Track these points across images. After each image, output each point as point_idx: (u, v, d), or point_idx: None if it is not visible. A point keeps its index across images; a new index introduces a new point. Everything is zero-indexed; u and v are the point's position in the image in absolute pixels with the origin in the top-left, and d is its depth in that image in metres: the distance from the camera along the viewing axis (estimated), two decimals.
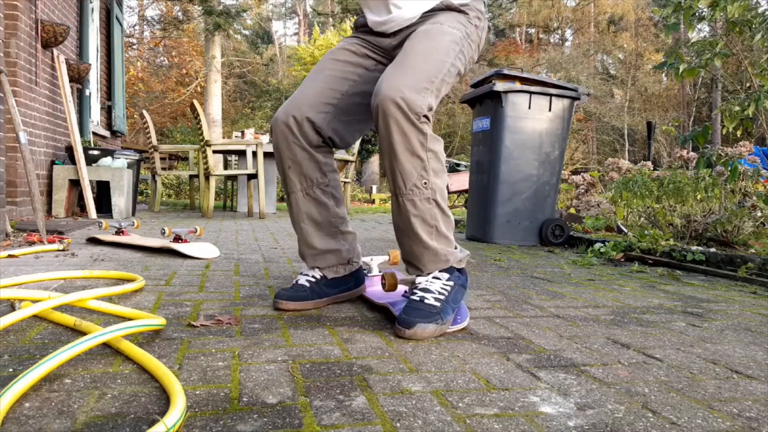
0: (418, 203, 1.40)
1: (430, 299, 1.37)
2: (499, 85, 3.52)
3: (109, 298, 1.61)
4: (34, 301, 1.47)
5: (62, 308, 1.45)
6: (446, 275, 1.44)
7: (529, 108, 3.59)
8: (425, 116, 1.36)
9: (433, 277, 1.44)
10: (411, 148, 1.36)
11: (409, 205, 1.40)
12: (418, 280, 1.45)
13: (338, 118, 1.57)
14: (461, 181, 11.29)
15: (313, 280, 1.60)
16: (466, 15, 1.56)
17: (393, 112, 1.33)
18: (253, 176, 5.68)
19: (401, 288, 1.64)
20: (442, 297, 1.38)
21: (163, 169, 8.66)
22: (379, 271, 1.82)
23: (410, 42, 1.48)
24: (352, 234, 1.66)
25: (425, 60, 1.41)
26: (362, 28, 1.67)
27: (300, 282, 1.60)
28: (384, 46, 1.61)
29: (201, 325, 1.36)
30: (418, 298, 1.38)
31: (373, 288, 1.75)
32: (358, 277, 1.67)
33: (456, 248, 1.49)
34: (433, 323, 1.31)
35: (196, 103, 5.67)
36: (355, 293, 1.68)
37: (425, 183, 1.39)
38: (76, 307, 1.46)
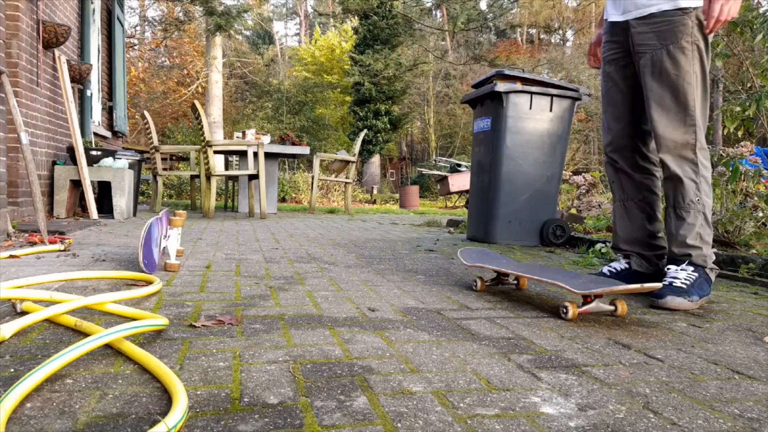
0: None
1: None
2: (500, 86, 3.52)
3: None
4: (47, 304, 1.47)
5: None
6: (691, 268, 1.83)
7: (530, 108, 3.58)
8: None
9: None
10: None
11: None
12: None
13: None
14: (462, 181, 11.29)
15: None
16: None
17: None
18: (254, 177, 5.68)
19: None
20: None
21: (164, 169, 8.66)
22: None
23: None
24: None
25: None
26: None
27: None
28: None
29: (202, 325, 1.36)
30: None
31: None
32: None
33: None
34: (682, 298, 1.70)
35: (197, 103, 5.68)
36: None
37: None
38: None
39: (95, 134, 6.01)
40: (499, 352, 1.23)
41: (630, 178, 2.03)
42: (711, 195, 1.84)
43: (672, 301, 1.68)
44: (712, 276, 1.85)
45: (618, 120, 2.02)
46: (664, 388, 1.03)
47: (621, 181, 2.06)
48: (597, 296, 1.59)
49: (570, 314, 1.56)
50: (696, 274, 1.79)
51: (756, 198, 3.36)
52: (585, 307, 1.58)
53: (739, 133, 3.38)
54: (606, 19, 2.04)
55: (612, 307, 1.60)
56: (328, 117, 24.36)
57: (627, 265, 2.09)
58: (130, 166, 5.11)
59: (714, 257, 1.88)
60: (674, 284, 1.75)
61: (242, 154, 6.59)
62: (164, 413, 0.85)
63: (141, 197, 10.34)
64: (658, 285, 1.56)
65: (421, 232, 4.50)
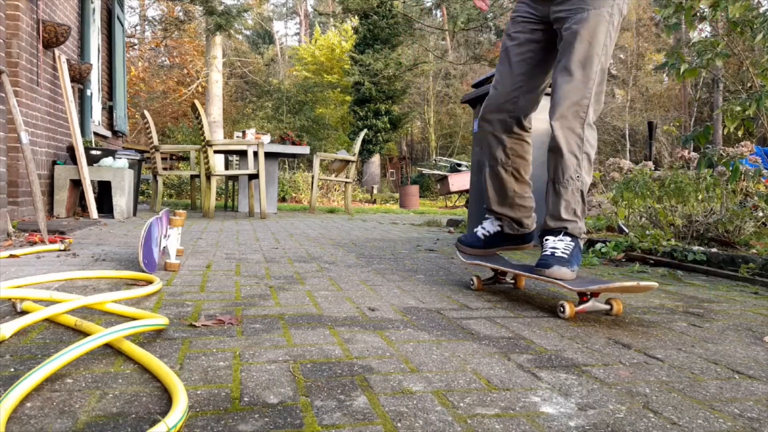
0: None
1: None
2: None
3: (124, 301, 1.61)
4: (47, 303, 1.47)
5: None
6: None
7: None
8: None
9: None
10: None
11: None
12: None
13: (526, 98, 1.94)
14: (462, 181, 11.30)
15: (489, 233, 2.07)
16: None
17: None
18: (254, 176, 5.68)
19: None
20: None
21: (165, 169, 8.66)
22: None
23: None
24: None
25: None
26: None
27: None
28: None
29: (202, 325, 1.36)
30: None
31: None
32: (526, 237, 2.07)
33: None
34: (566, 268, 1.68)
35: (197, 103, 5.68)
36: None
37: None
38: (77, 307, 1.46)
39: (95, 134, 6.01)
40: (499, 351, 1.23)
41: (501, 143, 1.98)
42: (591, 173, 1.82)
43: (558, 270, 1.68)
44: (581, 242, 1.85)
45: (510, 83, 1.94)
46: (664, 388, 1.03)
47: (491, 147, 2.00)
48: (593, 294, 1.60)
49: (567, 313, 1.57)
50: (573, 244, 1.79)
51: (756, 198, 3.36)
52: (582, 306, 1.60)
53: (740, 133, 3.38)
54: None
55: (608, 306, 1.61)
56: (328, 117, 24.36)
57: (500, 228, 2.08)
58: (130, 166, 5.11)
59: (585, 229, 1.89)
60: (556, 254, 1.75)
61: (242, 154, 6.59)
62: (164, 413, 0.85)
63: (141, 197, 10.34)
64: (654, 284, 1.57)
65: (421, 232, 4.50)
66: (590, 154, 1.81)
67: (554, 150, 1.79)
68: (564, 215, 1.80)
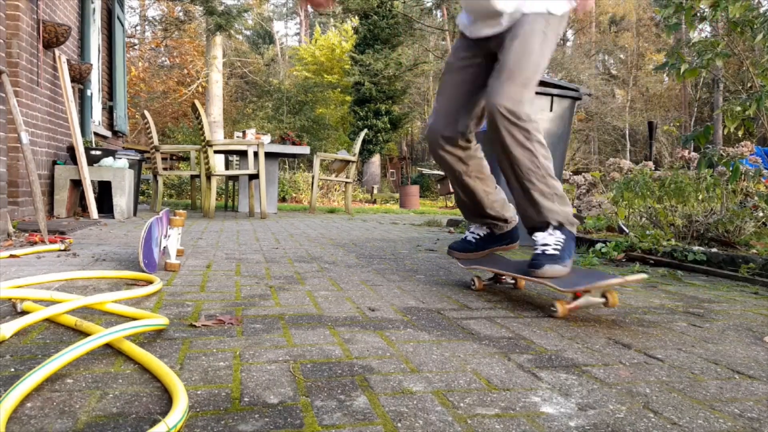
0: None
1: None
2: None
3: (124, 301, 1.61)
4: (47, 303, 1.47)
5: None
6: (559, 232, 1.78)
7: None
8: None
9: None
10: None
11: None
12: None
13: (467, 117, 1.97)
14: None
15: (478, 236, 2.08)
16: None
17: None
18: (254, 176, 5.68)
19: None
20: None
21: (165, 169, 8.66)
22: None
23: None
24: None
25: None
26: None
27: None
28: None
29: (202, 325, 1.36)
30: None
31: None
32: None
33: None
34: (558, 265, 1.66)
35: (197, 103, 5.68)
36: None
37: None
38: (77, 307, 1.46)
39: (95, 134, 6.01)
40: (500, 351, 1.23)
41: (457, 157, 1.99)
42: (550, 157, 1.77)
43: (550, 269, 1.66)
44: (574, 230, 1.81)
45: (451, 104, 1.99)
46: (664, 388, 1.03)
47: (450, 163, 2.01)
48: (585, 291, 1.59)
49: (559, 312, 1.57)
50: (563, 236, 1.76)
51: (756, 198, 3.36)
52: (574, 303, 1.59)
53: (740, 133, 3.38)
54: (469, 36, 1.99)
55: (602, 299, 1.60)
56: (328, 117, 24.35)
57: (489, 230, 2.08)
58: (131, 166, 5.11)
59: (572, 210, 1.83)
60: (547, 252, 1.72)
61: (242, 154, 6.59)
62: (164, 413, 0.85)
63: (141, 197, 10.34)
64: (640, 276, 1.56)
65: (421, 232, 4.50)
66: (540, 140, 1.77)
67: (502, 147, 1.76)
68: (545, 205, 1.76)
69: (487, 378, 1.06)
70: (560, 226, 1.78)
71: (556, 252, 1.71)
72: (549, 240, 1.75)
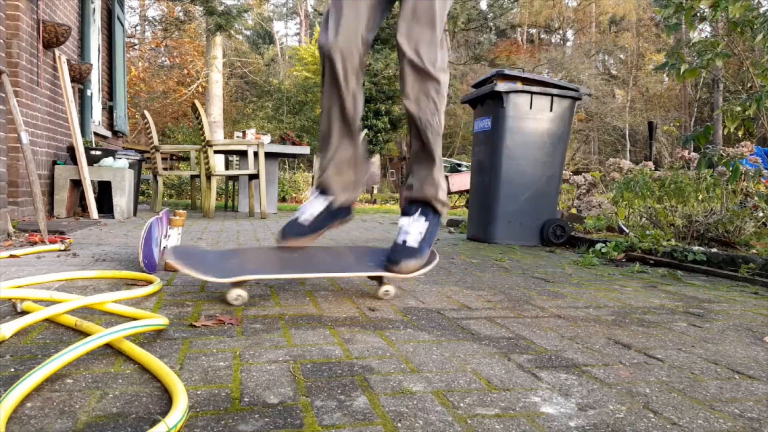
0: None
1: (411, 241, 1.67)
2: (501, 86, 3.52)
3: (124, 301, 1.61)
4: (47, 303, 1.47)
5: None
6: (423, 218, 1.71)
7: (531, 108, 3.58)
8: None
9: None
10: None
11: None
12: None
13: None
14: (462, 181, 11.28)
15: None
16: None
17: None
18: (254, 176, 5.68)
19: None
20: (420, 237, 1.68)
21: (165, 169, 8.66)
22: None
23: None
24: None
25: None
26: None
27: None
28: None
29: (202, 325, 1.36)
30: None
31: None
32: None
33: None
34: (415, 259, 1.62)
35: (197, 103, 5.68)
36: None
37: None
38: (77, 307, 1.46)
39: (95, 134, 6.01)
40: (500, 351, 1.23)
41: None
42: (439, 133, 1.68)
43: (406, 266, 1.64)
44: (445, 210, 1.75)
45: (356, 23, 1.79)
46: (664, 388, 1.03)
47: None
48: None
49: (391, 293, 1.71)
50: (428, 223, 1.71)
51: (756, 198, 3.36)
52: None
53: (740, 133, 3.38)
54: None
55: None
56: None
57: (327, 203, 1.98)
58: (131, 166, 5.11)
59: (446, 189, 1.74)
60: (407, 243, 1.68)
61: (242, 154, 6.59)
62: (164, 413, 0.85)
63: (141, 197, 10.34)
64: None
65: None
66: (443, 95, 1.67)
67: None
68: (421, 186, 1.68)
69: (487, 378, 1.06)
70: (430, 209, 1.70)
71: (415, 245, 1.67)
72: (411, 229, 1.70)
